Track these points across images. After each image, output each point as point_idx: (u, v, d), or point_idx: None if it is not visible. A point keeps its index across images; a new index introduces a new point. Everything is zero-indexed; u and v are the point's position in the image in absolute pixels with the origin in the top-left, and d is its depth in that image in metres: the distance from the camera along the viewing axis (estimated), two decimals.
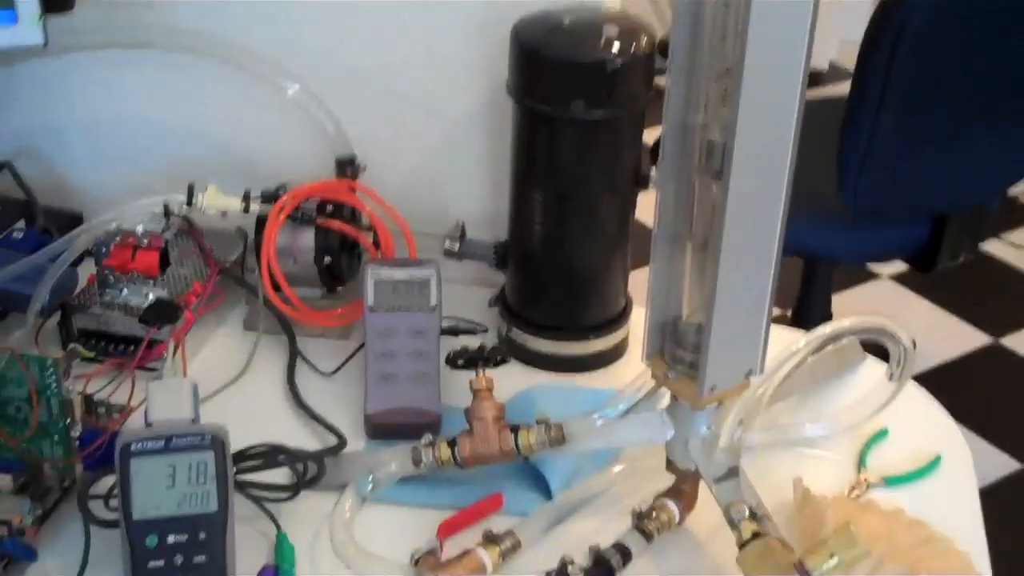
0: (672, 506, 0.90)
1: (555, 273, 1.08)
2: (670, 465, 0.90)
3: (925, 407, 1.07)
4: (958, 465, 1.01)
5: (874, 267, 2.74)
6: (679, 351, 0.85)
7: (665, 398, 0.91)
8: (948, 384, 1.06)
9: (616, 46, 0.99)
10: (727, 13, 0.76)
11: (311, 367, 1.09)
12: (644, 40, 1.00)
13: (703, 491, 0.90)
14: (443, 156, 1.19)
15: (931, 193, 1.82)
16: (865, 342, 1.05)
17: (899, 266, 2.69)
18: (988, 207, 1.93)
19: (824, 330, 0.96)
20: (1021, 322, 2.61)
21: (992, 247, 2.82)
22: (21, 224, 1.18)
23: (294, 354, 1.08)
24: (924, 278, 2.64)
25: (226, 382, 1.06)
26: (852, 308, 1.02)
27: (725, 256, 0.78)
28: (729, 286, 0.80)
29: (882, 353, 1.01)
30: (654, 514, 0.89)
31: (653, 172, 1.04)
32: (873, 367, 1.08)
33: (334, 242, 1.09)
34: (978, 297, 2.70)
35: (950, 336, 2.56)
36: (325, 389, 1.06)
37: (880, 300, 2.65)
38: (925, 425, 1.05)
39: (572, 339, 1.09)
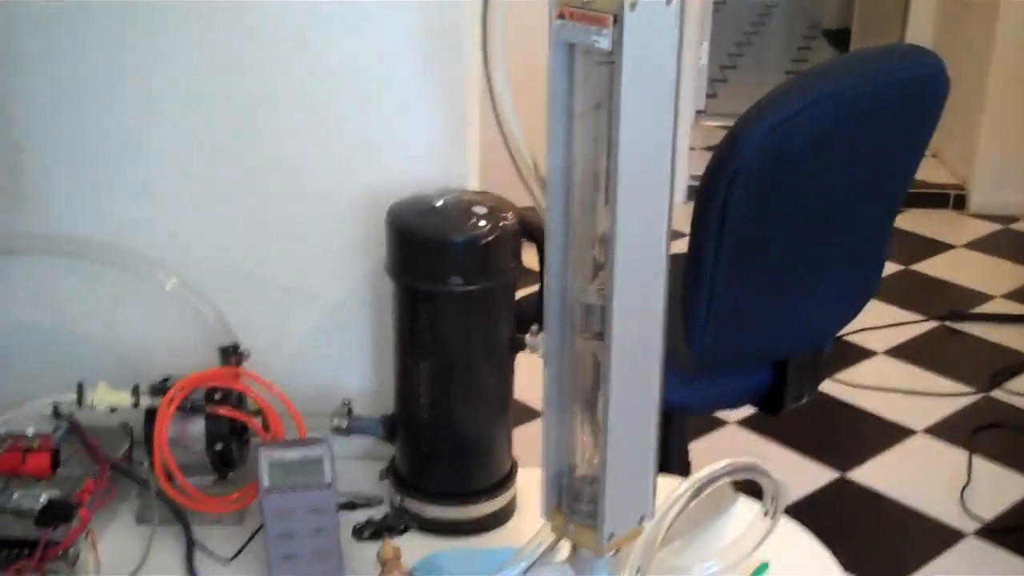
0: None
1: (442, 440, 1.12)
2: None
3: (799, 539, 1.13)
4: None
5: (723, 414, 2.84)
6: (576, 504, 0.90)
7: (563, 551, 0.95)
8: (805, 520, 1.13)
9: (486, 223, 1.06)
10: (596, 185, 0.83)
11: (209, 555, 1.08)
12: (510, 215, 1.07)
13: None
14: (326, 336, 1.22)
15: (771, 340, 1.89)
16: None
17: (747, 411, 2.81)
18: (824, 350, 2.02)
19: (703, 473, 1.00)
20: (863, 456, 2.74)
21: (829, 387, 2.97)
22: None
23: (191, 543, 1.08)
24: (770, 421, 2.76)
25: None
26: (708, 455, 1.08)
27: (613, 410, 0.84)
28: (619, 438, 0.85)
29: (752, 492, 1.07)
30: None
31: (528, 337, 1.09)
32: (745, 505, 1.13)
33: (224, 429, 1.11)
34: (822, 435, 2.84)
35: (800, 474, 2.67)
36: (226, 575, 1.06)
37: (732, 445, 2.75)
38: (801, 557, 1.11)
39: (463, 503, 1.12)
